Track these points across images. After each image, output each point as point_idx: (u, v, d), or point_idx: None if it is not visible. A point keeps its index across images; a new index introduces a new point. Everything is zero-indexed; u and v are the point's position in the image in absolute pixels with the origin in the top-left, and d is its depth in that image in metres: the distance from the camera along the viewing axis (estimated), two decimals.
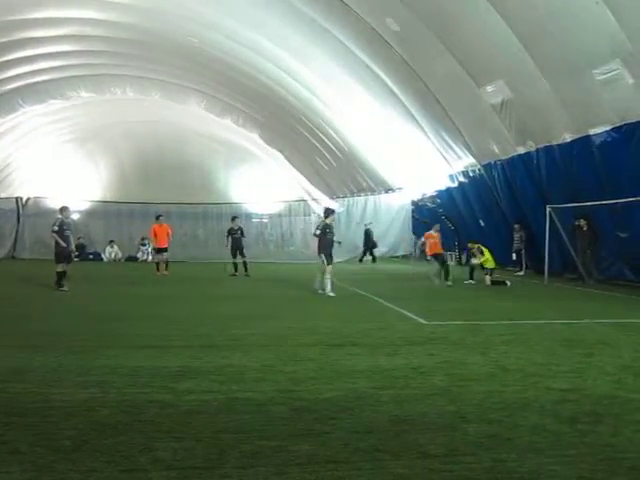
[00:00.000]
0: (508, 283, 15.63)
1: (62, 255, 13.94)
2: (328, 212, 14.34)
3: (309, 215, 31.19)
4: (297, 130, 29.28)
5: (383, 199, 27.91)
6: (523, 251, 18.94)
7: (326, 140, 28.40)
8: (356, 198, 29.24)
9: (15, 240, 29.45)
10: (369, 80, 20.42)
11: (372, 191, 28.76)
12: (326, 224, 13.72)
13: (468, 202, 22.02)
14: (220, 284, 16.73)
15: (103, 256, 29.58)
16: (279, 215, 32.26)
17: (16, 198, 30.52)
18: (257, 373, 5.73)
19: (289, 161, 31.86)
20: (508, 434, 4.10)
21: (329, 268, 13.16)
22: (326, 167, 30.82)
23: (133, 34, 24.43)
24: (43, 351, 6.71)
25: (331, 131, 27.10)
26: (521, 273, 18.71)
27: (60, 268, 13.86)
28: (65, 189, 32.58)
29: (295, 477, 3.39)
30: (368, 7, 16.81)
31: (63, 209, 14.96)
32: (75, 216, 31.23)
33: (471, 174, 20.55)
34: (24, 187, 32.67)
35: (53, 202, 31.56)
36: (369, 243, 28.67)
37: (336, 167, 30.10)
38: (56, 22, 23.49)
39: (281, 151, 31.58)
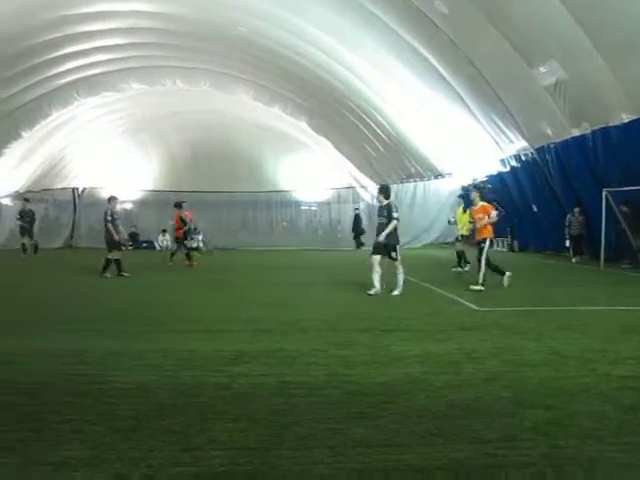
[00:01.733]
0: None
1: (114, 243, 14.32)
2: (389, 189, 11.58)
3: (357, 202, 31.13)
4: (345, 117, 29.16)
5: (432, 185, 27.60)
6: (583, 237, 18.18)
7: (374, 126, 28.20)
8: (405, 184, 28.98)
9: (72, 229, 30.36)
10: (417, 64, 20.13)
11: (421, 177, 28.46)
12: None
13: (520, 187, 21.55)
14: (270, 271, 16.88)
15: (156, 244, 30.24)
16: (328, 203, 32.27)
17: (72, 189, 31.42)
18: (309, 357, 5.77)
19: (337, 148, 31.78)
20: (566, 420, 4.02)
21: (400, 261, 10.93)
22: (374, 153, 30.61)
23: (182, 25, 24.71)
24: (100, 335, 6.91)
25: (379, 117, 26.89)
26: (577, 259, 18.07)
27: (111, 256, 14.23)
28: (118, 179, 33.42)
29: (350, 459, 3.41)
30: None
31: (111, 199, 15.35)
32: (128, 206, 32.10)
33: (523, 158, 20.07)
34: (79, 178, 33.60)
35: (107, 192, 32.44)
36: (358, 229, 28.67)
37: (384, 153, 29.87)
38: (108, 15, 23.97)
39: (329, 138, 31.51)
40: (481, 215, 11.83)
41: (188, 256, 18.46)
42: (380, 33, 19.44)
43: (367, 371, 5.29)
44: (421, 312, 8.65)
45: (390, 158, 29.89)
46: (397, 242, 10.80)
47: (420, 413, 4.19)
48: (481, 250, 11.53)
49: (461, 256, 15.38)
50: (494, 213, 11.87)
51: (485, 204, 12.19)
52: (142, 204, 33.08)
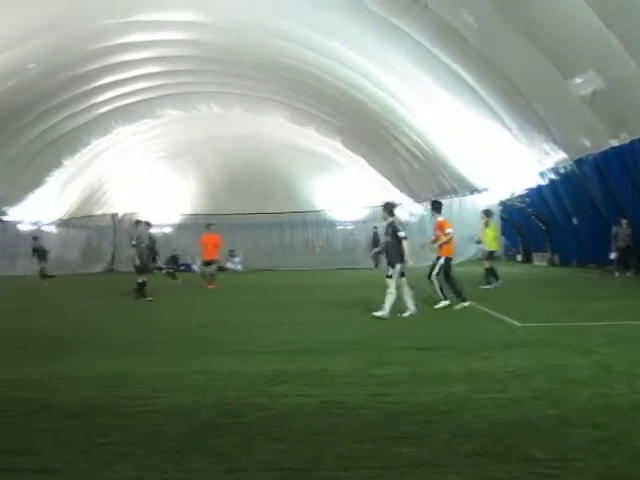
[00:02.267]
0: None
1: (137, 267, 14.51)
2: (393, 206, 11.38)
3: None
4: (378, 134, 29.21)
5: (468, 200, 27.30)
6: (630, 249, 17.51)
7: (407, 143, 28.16)
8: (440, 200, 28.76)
9: (112, 254, 30.92)
10: (448, 78, 20.08)
11: (456, 193, 28.21)
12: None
13: (559, 200, 21.19)
14: (307, 291, 16.88)
15: (194, 267, 30.53)
16: (364, 221, 32.20)
17: (112, 215, 32.06)
18: (349, 377, 5.71)
19: (372, 166, 31.83)
20: (618, 438, 3.87)
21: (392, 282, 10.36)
22: (408, 170, 30.53)
23: (214, 51, 25.21)
24: (142, 358, 6.99)
25: (412, 133, 26.85)
26: (627, 273, 17.38)
27: (140, 279, 14.42)
28: (157, 204, 34.01)
29: None
30: (444, 3, 16.53)
31: (137, 222, 15.63)
32: (167, 229, 32.61)
33: (562, 170, 19.74)
34: (119, 204, 34.28)
35: (145, 217, 33.05)
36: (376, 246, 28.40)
37: (419, 170, 29.76)
38: (142, 45, 24.61)
39: (363, 156, 31.59)
40: (438, 232, 11.44)
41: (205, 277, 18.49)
42: (410, 50, 19.49)
43: (408, 390, 5.21)
44: (461, 329, 8.51)
45: (424, 174, 29.76)
46: (396, 261, 10.32)
47: (465, 432, 4.09)
48: (433, 267, 11.29)
49: (489, 273, 15.17)
50: (448, 230, 11.46)
51: (441, 220, 11.76)
52: (181, 228, 33.56)
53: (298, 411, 4.65)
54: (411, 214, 30.60)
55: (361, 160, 31.90)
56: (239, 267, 30.47)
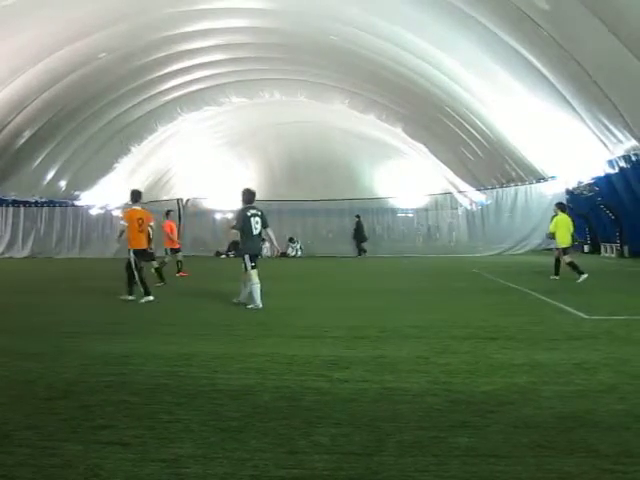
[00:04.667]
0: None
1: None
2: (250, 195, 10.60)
3: (456, 208, 30.56)
4: (441, 121, 28.76)
5: (534, 189, 26.59)
6: None
7: (471, 130, 27.61)
8: (505, 189, 28.13)
9: (178, 239, 31.58)
10: (517, 64, 19.51)
11: (522, 181, 27.51)
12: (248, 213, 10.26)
13: (630, 189, 20.36)
14: (367, 278, 16.88)
15: (224, 255, 31.00)
16: (425, 209, 31.87)
17: (177, 199, 32.82)
18: (410, 364, 5.71)
19: (433, 153, 31.40)
20: None
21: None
22: (472, 158, 29.96)
23: (277, 38, 25.34)
24: (206, 339, 7.18)
25: (476, 120, 26.30)
26: None
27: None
28: (219, 189, 34.59)
29: (455, 469, 3.34)
30: None
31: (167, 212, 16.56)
32: (229, 216, 33.12)
33: (634, 158, 18.95)
34: (184, 189, 35.04)
35: (209, 202, 33.72)
36: (359, 236, 28.10)
37: (483, 157, 29.17)
38: (207, 33, 24.99)
39: (425, 144, 31.19)
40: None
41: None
42: (477, 35, 19.03)
43: (470, 379, 5.17)
44: (525, 320, 8.34)
45: (489, 162, 29.14)
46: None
47: (528, 424, 4.04)
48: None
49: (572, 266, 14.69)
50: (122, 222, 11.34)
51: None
52: None
53: (359, 397, 4.69)
54: (472, 202, 30.08)
55: (422, 147, 31.51)
56: (299, 253, 30.73)
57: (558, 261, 14.41)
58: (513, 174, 28.19)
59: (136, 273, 11.12)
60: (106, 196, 32.84)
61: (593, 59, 16.75)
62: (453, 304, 10.46)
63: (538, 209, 25.92)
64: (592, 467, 3.33)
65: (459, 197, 30.81)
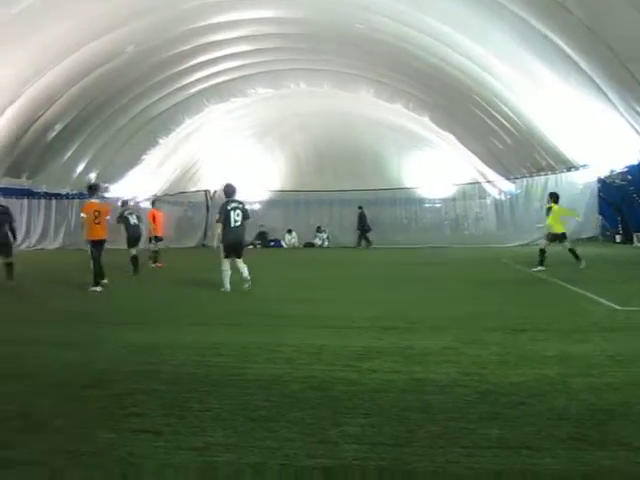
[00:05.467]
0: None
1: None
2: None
3: (484, 198, 30.25)
4: (469, 110, 28.40)
5: (565, 178, 26.16)
6: None
7: (501, 118, 27.22)
8: (535, 178, 27.73)
9: (205, 230, 31.89)
10: (547, 51, 19.15)
11: (552, 170, 27.07)
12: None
13: None
14: (394, 268, 16.82)
15: (283, 243, 31.14)
16: (453, 199, 31.58)
17: (204, 191, 33.08)
18: (439, 355, 5.68)
19: (462, 142, 31.04)
20: None
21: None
22: (501, 147, 29.54)
23: (302, 28, 25.26)
24: (235, 329, 7.23)
25: (505, 108, 25.92)
26: None
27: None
28: (247, 181, 34.69)
29: (486, 460, 3.32)
30: None
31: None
32: (256, 206, 33.31)
33: None
34: (211, 180, 35.23)
35: (237, 194, 33.82)
36: (364, 226, 27.86)
37: (512, 146, 28.74)
38: (233, 24, 25.01)
39: (453, 133, 30.85)
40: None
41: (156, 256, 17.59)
42: (508, 22, 18.71)
43: (500, 370, 5.12)
44: (556, 311, 8.24)
45: (518, 151, 28.72)
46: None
47: (559, 416, 3.99)
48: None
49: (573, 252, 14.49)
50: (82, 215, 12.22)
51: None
52: (269, 204, 34.16)
53: (388, 387, 4.68)
54: (501, 192, 29.73)
55: (450, 136, 31.19)
56: (326, 243, 30.78)
57: (544, 251, 14.38)
58: (543, 163, 27.74)
59: (91, 262, 11.59)
60: (134, 188, 33.19)
61: (626, 46, 16.37)
62: (482, 295, 10.38)
63: (569, 198, 25.49)
64: (625, 460, 3.28)
65: (487, 187, 30.49)
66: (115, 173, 33.60)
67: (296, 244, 31.04)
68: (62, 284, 12.11)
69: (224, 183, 11.75)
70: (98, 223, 11.88)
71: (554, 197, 14.96)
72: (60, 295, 11.07)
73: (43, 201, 31.03)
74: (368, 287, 12.07)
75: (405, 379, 4.89)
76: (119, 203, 18.85)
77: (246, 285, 10.92)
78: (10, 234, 12.39)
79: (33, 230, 30.85)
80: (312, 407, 4.23)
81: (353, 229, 29.99)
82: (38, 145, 28.35)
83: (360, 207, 29.45)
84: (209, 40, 26.19)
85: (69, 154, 30.28)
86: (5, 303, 10.19)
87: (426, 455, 3.39)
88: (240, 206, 10.96)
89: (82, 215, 12.09)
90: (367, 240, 28.74)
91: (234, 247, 10.92)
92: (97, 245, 11.85)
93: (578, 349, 5.86)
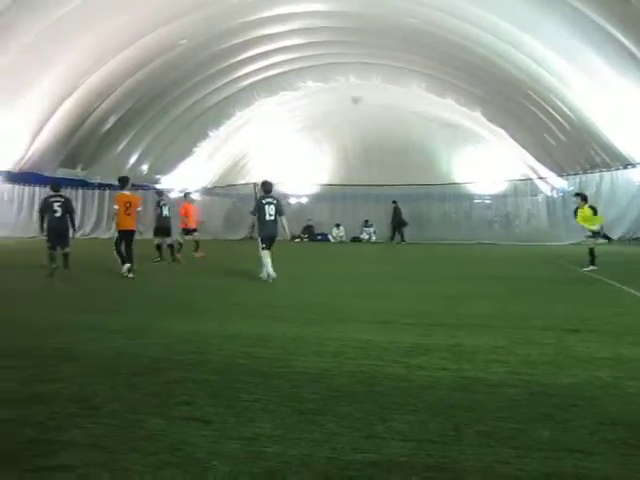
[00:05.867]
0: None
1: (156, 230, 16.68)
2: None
3: (536, 195, 29.62)
4: (522, 105, 27.84)
5: (621, 175, 25.37)
6: None
7: (554, 113, 26.59)
8: (589, 175, 26.98)
9: (253, 222, 32.15)
10: (604, 44, 18.61)
11: (607, 167, 26.30)
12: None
13: None
14: (443, 264, 16.66)
15: (330, 237, 31.20)
16: (503, 195, 31.04)
17: (253, 184, 33.37)
18: (489, 354, 5.59)
19: (513, 138, 30.47)
20: None
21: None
22: (554, 142, 28.87)
23: (355, 21, 25.17)
24: (283, 321, 7.27)
25: (560, 103, 25.29)
26: None
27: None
28: (295, 174, 34.88)
29: (536, 462, 3.26)
30: None
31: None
32: (303, 200, 33.47)
33: None
34: (260, 173, 35.57)
35: (285, 187, 34.04)
36: (399, 221, 27.19)
37: (565, 142, 28.05)
38: (285, 18, 25.11)
39: (505, 128, 30.30)
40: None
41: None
42: (562, 14, 18.27)
43: (551, 371, 5.01)
44: (609, 312, 8.02)
45: (572, 147, 28.01)
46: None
47: (612, 420, 3.88)
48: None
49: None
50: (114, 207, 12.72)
51: None
52: (317, 198, 34.27)
53: (436, 384, 4.64)
54: (553, 189, 29.05)
55: (502, 132, 30.64)
56: (373, 238, 30.70)
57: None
58: (598, 159, 26.98)
59: (114, 249, 12.36)
60: (185, 180, 33.76)
61: None
62: (533, 293, 10.19)
63: (624, 196, 24.78)
64: None
65: (540, 183, 29.84)
66: (166, 165, 34.27)
67: (343, 238, 31.06)
68: (114, 273, 12.41)
69: (262, 180, 12.59)
70: (129, 214, 12.46)
71: (583, 198, 14.45)
72: (112, 283, 11.37)
73: (97, 192, 31.87)
74: (415, 282, 12.00)
75: (453, 377, 4.83)
76: (155, 194, 19.34)
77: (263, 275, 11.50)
78: (70, 225, 12.82)
79: (87, 219, 31.73)
80: (359, 402, 4.23)
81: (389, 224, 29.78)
82: (93, 137, 29.12)
83: (394, 202, 29.26)
84: (260, 33, 26.38)
85: (122, 146, 31.02)
86: (61, 291, 10.53)
87: (475, 454, 3.35)
88: (275, 202, 11.62)
89: (114, 207, 12.62)
90: (401, 235, 28.49)
91: (270, 239, 11.52)
92: (126, 235, 12.48)
93: (632, 351, 5.70)
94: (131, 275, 11.99)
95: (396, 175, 31.09)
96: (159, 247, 16.27)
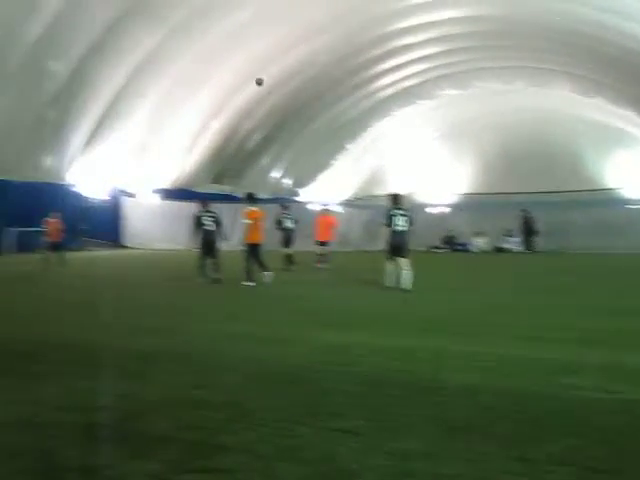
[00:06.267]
0: None
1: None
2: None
3: None
4: None
5: None
6: None
7: None
8: None
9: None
10: None
11: None
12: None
13: None
14: (596, 274, 15.64)
15: (471, 247, 30.39)
16: None
17: (387, 195, 33.37)
18: None
19: None
20: None
21: None
22: None
23: (492, 25, 24.55)
24: (427, 334, 7.18)
25: None
26: None
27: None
28: (433, 184, 34.49)
29: None
30: None
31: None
32: (442, 209, 32.95)
33: None
34: (397, 184, 35.58)
35: (423, 197, 33.78)
36: (530, 230, 25.84)
37: None
38: (422, 27, 25.05)
39: None
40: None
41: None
42: None
43: None
44: None
45: None
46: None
47: None
48: None
49: None
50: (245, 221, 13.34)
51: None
52: (457, 207, 33.57)
53: (592, 406, 4.36)
54: None
55: None
56: (517, 247, 29.48)
57: None
58: None
59: (245, 262, 12.94)
60: (323, 192, 34.56)
61: None
62: None
63: None
64: None
65: None
66: (305, 178, 35.31)
67: (485, 248, 30.13)
68: (258, 283, 12.92)
69: (392, 192, 13.23)
70: (256, 228, 13.25)
71: None
72: (259, 293, 11.85)
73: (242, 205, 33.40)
74: (562, 293, 11.38)
75: (611, 399, 4.52)
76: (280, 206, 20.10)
77: (402, 284, 11.64)
78: (219, 237, 13.68)
79: (233, 232, 33.34)
80: (509, 421, 4.07)
81: (542, 233, 28.31)
82: (239, 154, 30.74)
83: (523, 210, 27.78)
84: (397, 44, 26.52)
85: (265, 161, 32.40)
86: (214, 301, 11.14)
87: None
88: (406, 213, 12.13)
89: (245, 221, 13.40)
90: (531, 245, 27.03)
91: (397, 248, 11.91)
92: (254, 247, 13.12)
93: None
94: (268, 280, 12.87)
95: (540, 181, 29.75)
96: (287, 257, 17.20)
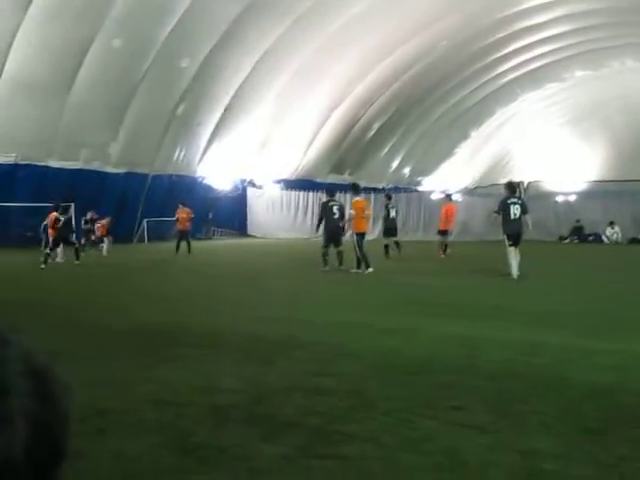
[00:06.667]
0: None
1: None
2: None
3: None
4: None
5: None
6: None
7: None
8: None
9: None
10: None
11: None
12: None
13: None
14: None
15: (603, 238, 28.50)
16: None
17: (518, 183, 32.08)
18: None
19: None
20: None
21: None
22: None
23: (625, 0, 22.81)
24: (557, 329, 6.81)
25: None
26: None
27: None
28: (561, 171, 32.78)
29: None
30: None
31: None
32: (572, 197, 31.20)
33: None
34: (523, 171, 34.19)
35: (551, 184, 32.16)
36: None
37: None
38: (548, 6, 23.82)
39: None
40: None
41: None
42: None
43: None
44: None
45: None
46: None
47: None
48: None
49: None
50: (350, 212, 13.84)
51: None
52: (586, 196, 31.64)
53: None
54: None
55: None
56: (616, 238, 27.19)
57: None
58: None
59: (358, 250, 13.15)
60: (446, 181, 33.89)
61: None
62: None
63: None
64: None
65: None
66: (427, 167, 34.79)
67: (619, 239, 28.16)
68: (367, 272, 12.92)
69: (507, 181, 13.49)
70: (363, 217, 13.75)
71: None
72: (377, 281, 11.84)
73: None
74: None
75: None
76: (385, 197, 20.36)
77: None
78: (341, 227, 13.90)
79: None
80: None
81: None
82: (359, 143, 30.83)
83: None
84: (522, 26, 25.38)
85: (385, 150, 32.27)
86: (334, 290, 11.25)
87: None
88: (520, 202, 12.20)
89: (351, 211, 13.80)
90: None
91: (516, 236, 11.91)
92: (362, 236, 13.46)
93: None
94: (365, 271, 12.94)
95: None
96: (387, 247, 17.00)
